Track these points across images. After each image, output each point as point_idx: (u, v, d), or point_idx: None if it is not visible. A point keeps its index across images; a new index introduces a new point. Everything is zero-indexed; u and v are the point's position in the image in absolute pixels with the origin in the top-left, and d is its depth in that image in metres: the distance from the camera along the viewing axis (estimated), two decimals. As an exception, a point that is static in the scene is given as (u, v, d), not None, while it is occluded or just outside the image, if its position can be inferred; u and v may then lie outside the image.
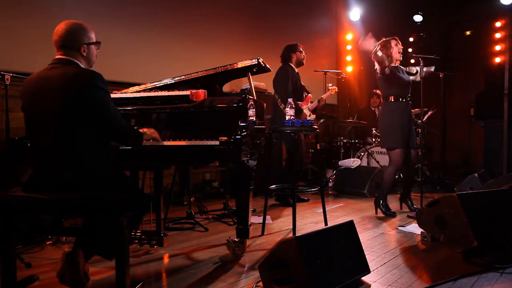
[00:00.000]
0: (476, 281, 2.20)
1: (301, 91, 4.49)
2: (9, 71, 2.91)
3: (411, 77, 3.92)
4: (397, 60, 3.85)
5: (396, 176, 5.12)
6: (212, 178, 5.17)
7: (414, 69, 3.93)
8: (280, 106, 4.26)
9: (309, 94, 4.50)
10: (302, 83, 4.59)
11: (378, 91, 5.77)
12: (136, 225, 2.52)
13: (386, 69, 3.75)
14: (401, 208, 4.09)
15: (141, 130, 2.28)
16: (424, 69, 3.86)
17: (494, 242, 2.56)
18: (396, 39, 3.87)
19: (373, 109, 6.28)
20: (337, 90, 4.83)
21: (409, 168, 4.00)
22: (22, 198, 1.86)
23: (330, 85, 4.82)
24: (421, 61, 3.80)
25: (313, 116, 4.49)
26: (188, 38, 4.99)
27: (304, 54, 4.50)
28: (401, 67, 3.87)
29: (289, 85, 4.30)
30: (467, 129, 7.60)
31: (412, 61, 3.98)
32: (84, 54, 2.03)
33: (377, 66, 3.83)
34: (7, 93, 2.85)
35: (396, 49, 3.83)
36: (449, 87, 7.08)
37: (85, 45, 2.03)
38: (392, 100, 3.83)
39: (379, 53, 3.79)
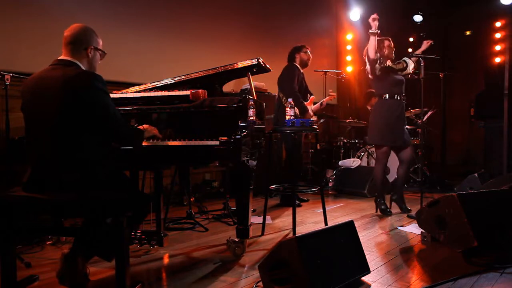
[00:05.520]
0: (476, 281, 2.20)
1: (306, 92, 4.50)
2: (9, 71, 2.91)
3: (403, 72, 3.94)
4: (389, 59, 3.87)
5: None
6: (212, 178, 5.17)
7: (403, 64, 3.92)
8: (285, 105, 4.28)
9: (312, 96, 4.52)
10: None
11: None
12: (136, 226, 2.53)
13: (377, 70, 3.79)
14: (390, 208, 4.05)
15: (140, 127, 2.28)
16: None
17: (494, 242, 2.56)
18: (389, 40, 3.92)
19: (369, 108, 6.27)
20: (335, 96, 4.88)
21: (403, 168, 3.99)
22: (22, 198, 1.86)
23: (330, 90, 4.86)
24: (422, 61, 3.81)
25: (314, 118, 4.50)
26: (188, 38, 4.99)
27: (310, 55, 4.50)
28: (391, 65, 3.88)
29: (295, 84, 4.31)
30: (467, 129, 7.60)
31: (405, 58, 3.99)
32: (90, 55, 2.05)
33: (367, 66, 3.86)
34: (7, 93, 2.85)
35: (389, 49, 3.86)
36: (449, 87, 7.06)
37: (92, 47, 2.06)
38: (386, 98, 3.88)
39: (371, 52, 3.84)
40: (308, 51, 4.51)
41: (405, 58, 3.95)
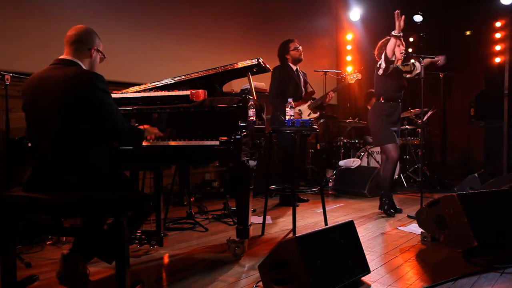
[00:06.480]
0: (476, 281, 2.20)
1: (298, 89, 4.47)
2: (9, 71, 2.91)
3: (408, 75, 3.95)
4: (398, 60, 3.86)
5: (396, 176, 5.16)
6: (212, 178, 5.17)
7: (410, 66, 3.92)
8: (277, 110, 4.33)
9: (310, 90, 4.50)
10: (307, 80, 4.60)
11: None
12: (137, 226, 2.52)
13: (391, 67, 3.79)
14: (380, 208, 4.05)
15: (141, 127, 2.29)
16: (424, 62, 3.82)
17: (494, 242, 2.56)
18: (400, 39, 3.87)
19: (370, 108, 6.27)
20: (360, 77, 4.53)
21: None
22: (22, 198, 1.86)
23: (352, 73, 4.65)
24: (422, 61, 3.80)
25: (314, 116, 4.46)
26: (188, 38, 4.99)
27: (299, 49, 4.44)
28: (400, 66, 3.88)
29: (274, 88, 4.40)
30: (467, 129, 7.60)
31: (412, 60, 4.00)
32: (92, 56, 2.07)
33: (381, 62, 3.84)
34: (7, 93, 2.85)
35: (398, 49, 3.84)
36: (449, 87, 7.07)
37: (96, 49, 2.08)
38: (382, 101, 3.90)
39: (383, 51, 3.83)
40: (296, 46, 4.43)
41: (413, 61, 3.94)
